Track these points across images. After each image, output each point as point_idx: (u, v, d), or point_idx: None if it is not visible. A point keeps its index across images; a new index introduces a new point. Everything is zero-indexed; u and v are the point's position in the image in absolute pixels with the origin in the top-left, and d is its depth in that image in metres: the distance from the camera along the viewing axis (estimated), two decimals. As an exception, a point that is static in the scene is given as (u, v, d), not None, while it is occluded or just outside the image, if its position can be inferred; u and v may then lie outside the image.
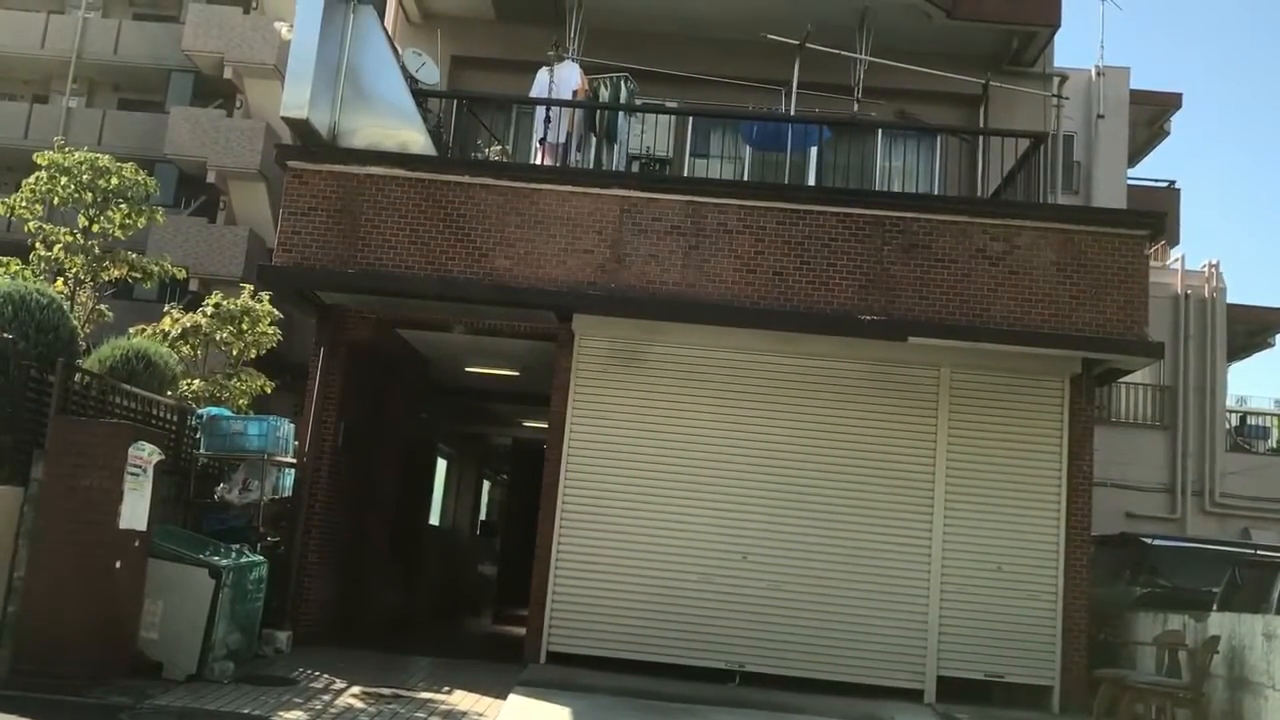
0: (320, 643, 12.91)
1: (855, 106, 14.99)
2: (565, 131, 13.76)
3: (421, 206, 12.48)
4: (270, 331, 17.09)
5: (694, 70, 15.33)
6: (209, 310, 16.59)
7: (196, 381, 16.02)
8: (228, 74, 36.40)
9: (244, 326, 16.51)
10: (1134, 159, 28.88)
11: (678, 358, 12.90)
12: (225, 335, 16.26)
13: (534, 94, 14.21)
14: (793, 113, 14.46)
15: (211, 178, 35.86)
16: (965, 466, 12.72)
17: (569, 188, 12.50)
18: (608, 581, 12.66)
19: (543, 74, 14.12)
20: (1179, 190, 29.86)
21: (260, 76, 36.43)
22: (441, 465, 19.86)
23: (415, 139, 12.87)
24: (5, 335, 10.55)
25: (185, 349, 16.35)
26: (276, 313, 16.96)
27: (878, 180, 15.19)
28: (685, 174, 15.85)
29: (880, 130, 15.18)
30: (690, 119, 15.37)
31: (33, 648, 9.88)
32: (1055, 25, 15.24)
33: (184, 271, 17.50)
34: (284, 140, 36.55)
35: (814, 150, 15.25)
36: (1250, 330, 27.52)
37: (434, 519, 19.31)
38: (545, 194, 12.50)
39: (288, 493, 13.49)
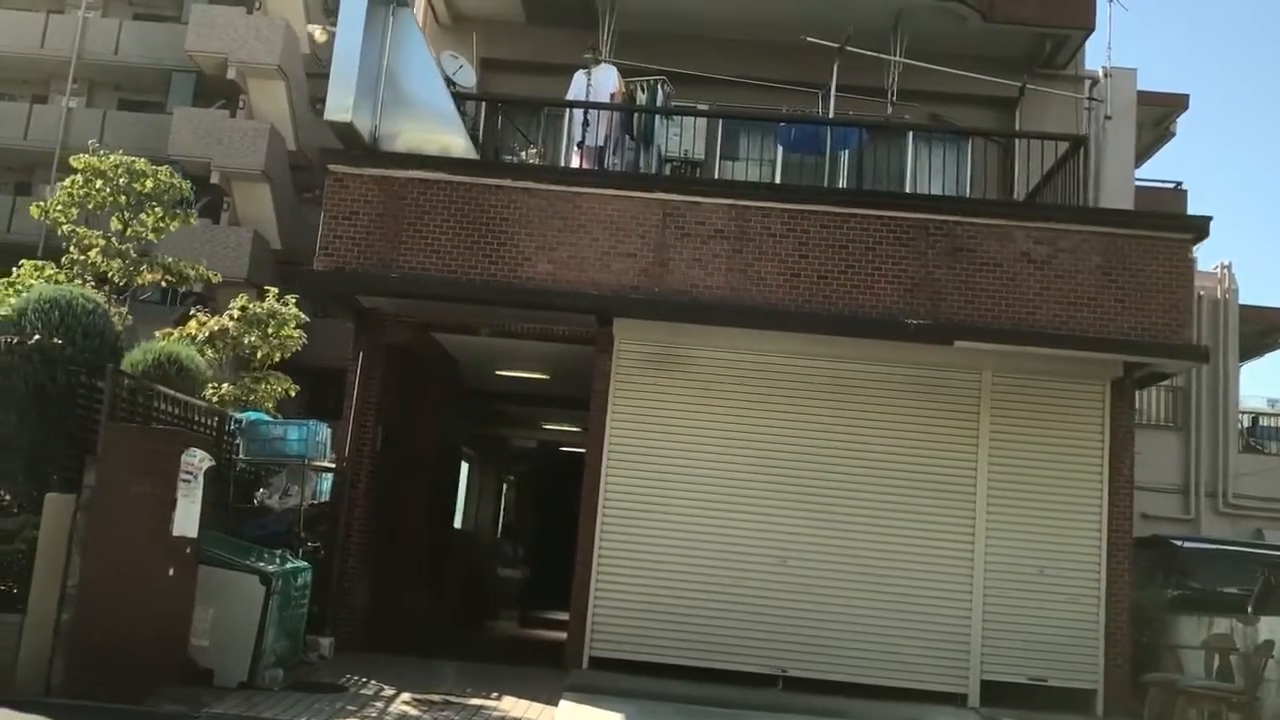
0: (359, 648, 12.85)
1: (889, 109, 14.97)
2: (603, 134, 13.71)
3: (464, 210, 12.42)
4: (295, 335, 17.01)
5: (725, 73, 15.28)
6: (235, 314, 16.49)
7: (225, 385, 15.93)
8: (231, 75, 36.21)
9: (270, 330, 16.42)
10: (1139, 160, 28.88)
11: (719, 361, 12.85)
12: (254, 339, 16.17)
13: (571, 97, 14.16)
14: (831, 115, 14.44)
15: (215, 179, 35.66)
16: (1007, 470, 12.71)
17: (611, 191, 12.47)
18: (649, 586, 12.62)
19: (580, 77, 14.08)
20: (1186, 192, 29.85)
21: (264, 77, 36.26)
22: (464, 468, 19.80)
23: (456, 143, 12.81)
24: (55, 340, 10.49)
25: (210, 353, 16.26)
26: (303, 316, 16.88)
27: (909, 183, 15.16)
28: (715, 176, 15.81)
29: (911, 133, 15.15)
30: (720, 121, 15.32)
31: (87, 656, 9.81)
32: (1090, 28, 15.27)
33: (218, 276, 17.39)
34: (288, 142, 36.65)
35: (845, 153, 15.22)
36: (1261, 331, 27.52)
37: (458, 522, 19.25)
38: (587, 197, 12.46)
39: (324, 498, 13.47)
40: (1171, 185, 29.90)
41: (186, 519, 10.23)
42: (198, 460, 10.37)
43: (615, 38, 15.05)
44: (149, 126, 38.61)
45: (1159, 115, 27.78)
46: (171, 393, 11.65)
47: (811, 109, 15.50)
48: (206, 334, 16.07)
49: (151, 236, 15.67)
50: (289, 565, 11.42)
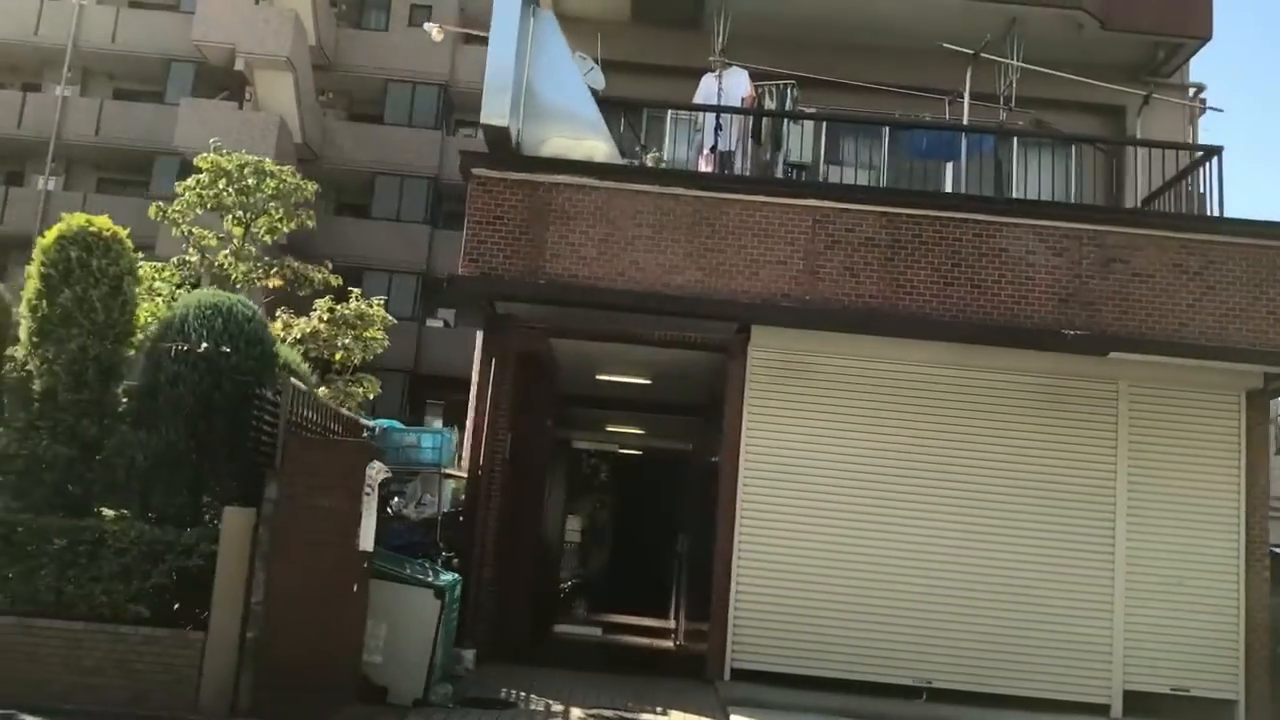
0: (491, 659, 12.62)
1: (1002, 115, 14.92)
2: (734, 139, 13.54)
3: (610, 216, 12.24)
4: (379, 336, 16.70)
5: (831, 75, 15.15)
6: (324, 315, 16.15)
7: (321, 388, 15.59)
8: (239, 66, 35.69)
9: (359, 332, 16.11)
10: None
11: (859, 370, 12.74)
12: (348, 341, 15.84)
13: (700, 100, 13.98)
14: (965, 122, 14.38)
15: (224, 171, 35.10)
16: (1146, 480, 12.69)
17: (761, 198, 12.32)
18: (789, 597, 12.51)
19: (709, 80, 13.90)
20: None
21: (272, 69, 35.80)
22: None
23: (600, 147, 12.59)
24: (223, 349, 10.18)
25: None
26: (390, 318, 16.58)
27: (1015, 190, 15.11)
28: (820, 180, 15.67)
29: (1015, 138, 15.09)
30: (824, 125, 15.17)
31: (272, 675, 9.56)
32: (1207, 37, 15.28)
33: (339, 279, 17.00)
34: (293, 134, 36.12)
35: (950, 161, 15.13)
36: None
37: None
38: (735, 204, 12.32)
39: (450, 506, 13.24)
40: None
41: (366, 533, 10.00)
42: (374, 472, 10.15)
43: (727, 39, 14.84)
44: (148, 117, 38.00)
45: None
46: (323, 400, 11.36)
47: (918, 113, 15.40)
48: (298, 335, 15.72)
49: (266, 238, 15.30)
50: (450, 577, 11.20)
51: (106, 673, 9.53)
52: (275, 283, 15.40)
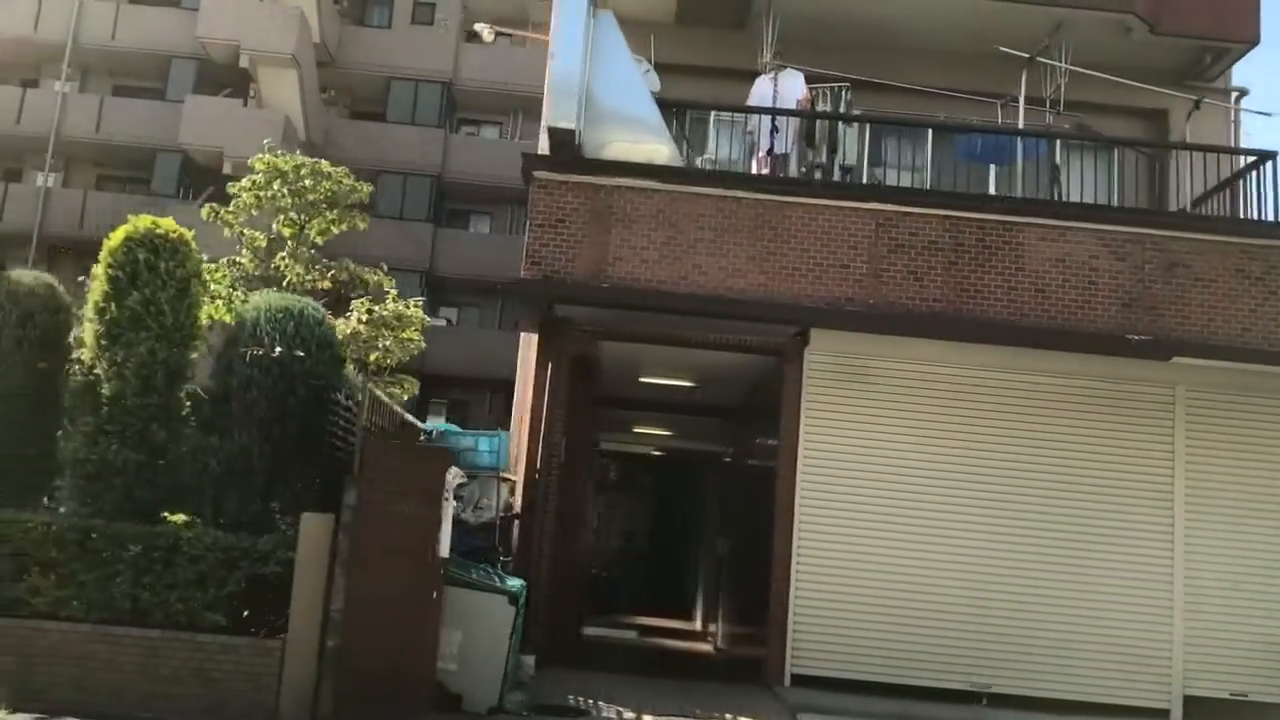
0: (548, 664, 12.52)
1: (1048, 119, 14.90)
2: (790, 141, 13.47)
3: (672, 219, 12.17)
4: (416, 337, 16.58)
5: (875, 77, 15.10)
6: (363, 316, 16.01)
7: (364, 390, 15.43)
8: (244, 63, 35.43)
9: (398, 333, 15.99)
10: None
11: (917, 374, 12.71)
12: (388, 342, 15.70)
13: (754, 102, 13.89)
14: (1021, 125, 14.35)
15: (228, 169, 34.85)
16: (1203, 484, 12.68)
17: (824, 201, 12.25)
18: (849, 602, 12.47)
19: (763, 82, 13.81)
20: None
21: (277, 66, 35.54)
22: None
23: (660, 150, 12.50)
24: (297, 354, 10.07)
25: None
26: (427, 319, 16.46)
27: (1060, 193, 15.05)
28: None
29: (1059, 142, 15.05)
30: (868, 127, 15.10)
31: (353, 684, 9.47)
32: (1255, 41, 15.26)
33: (392, 282, 16.83)
34: (298, 132, 35.88)
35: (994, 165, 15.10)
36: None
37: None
38: (797, 207, 12.26)
39: (503, 510, 13.13)
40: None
41: (444, 539, 9.90)
42: (451, 477, 10.05)
43: (774, 40, 14.76)
44: (147, 113, 37.69)
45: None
46: (389, 403, 11.26)
47: (963, 116, 15.37)
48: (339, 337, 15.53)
49: (317, 239, 15.14)
50: (518, 583, 11.11)
51: (184, 681, 9.43)
52: (325, 284, 15.24)
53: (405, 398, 16.97)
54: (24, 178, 38.74)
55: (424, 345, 16.94)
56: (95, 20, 38.51)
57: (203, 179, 37.09)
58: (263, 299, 10.57)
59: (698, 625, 20.67)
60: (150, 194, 37.42)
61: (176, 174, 37.88)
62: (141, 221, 10.58)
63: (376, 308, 16.20)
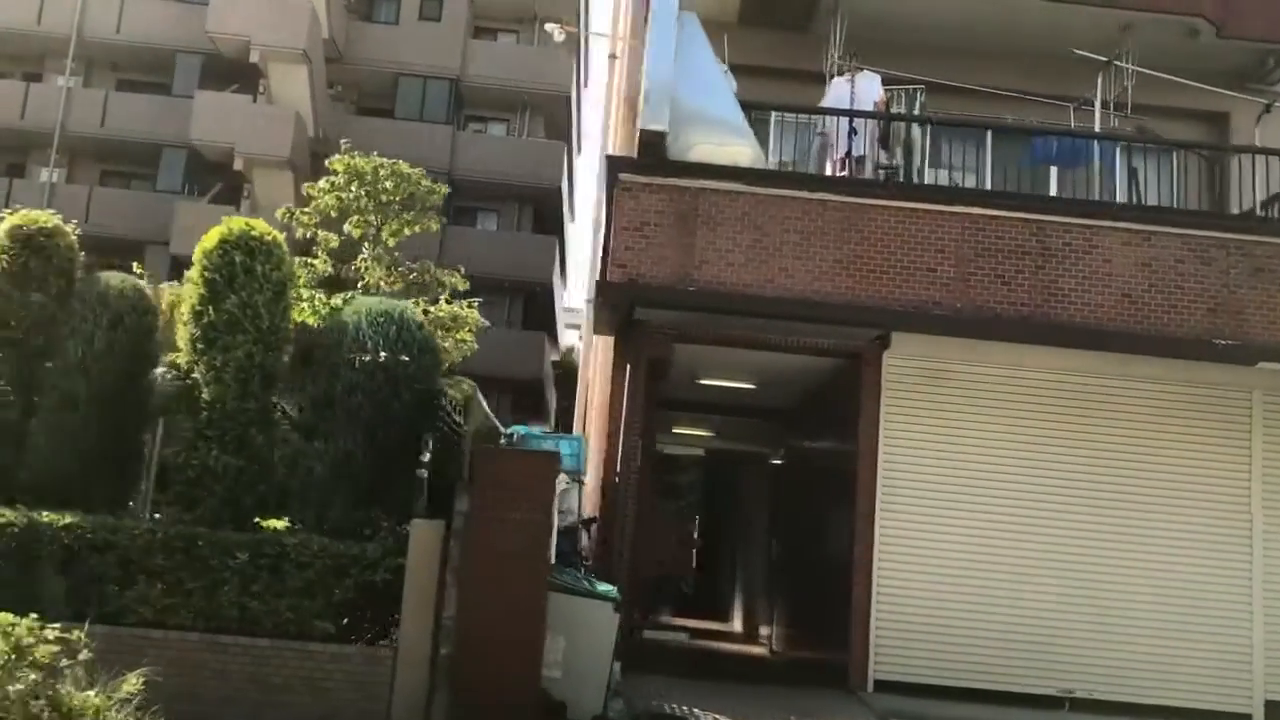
0: (629, 669, 12.42)
1: (1114, 121, 14.89)
2: (867, 144, 13.40)
3: (758, 222, 12.08)
4: (469, 339, 16.45)
5: (941, 78, 15.04)
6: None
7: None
8: (254, 58, 35.14)
9: (453, 334, 15.84)
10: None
11: (998, 378, 12.67)
12: (448, 344, 15.53)
13: (829, 103, 13.82)
14: (1097, 129, 14.33)
15: (238, 165, 34.69)
16: (1282, 488, 12.71)
17: (910, 204, 12.20)
18: (931, 607, 12.41)
19: (840, 84, 13.73)
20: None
21: (287, 61, 35.25)
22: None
23: (744, 152, 12.41)
24: (402, 358, 9.95)
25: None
26: (483, 321, 16.31)
27: (1119, 197, 15.05)
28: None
29: (1118, 145, 15.06)
30: (928, 129, 15.05)
31: (464, 691, 9.36)
32: (1320, 44, 15.38)
33: (466, 283, 16.65)
34: (308, 128, 35.61)
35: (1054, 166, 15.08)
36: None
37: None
38: (884, 210, 12.18)
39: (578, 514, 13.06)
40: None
41: (552, 545, 9.81)
42: (559, 482, 9.95)
43: (842, 42, 14.70)
44: (153, 108, 37.38)
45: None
46: (483, 406, 11.14)
47: (1025, 117, 15.35)
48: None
49: (389, 240, 14.96)
50: (612, 588, 11.01)
51: (295, 690, 9.30)
52: (399, 285, 15.08)
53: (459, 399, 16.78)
54: (28, 173, 38.36)
55: (475, 347, 16.80)
56: (99, 13, 38.13)
57: (208, 175, 36.84)
58: (361, 304, 10.44)
59: (738, 626, 20.58)
60: (156, 190, 37.16)
61: (183, 170, 37.60)
62: (233, 222, 10.45)
63: (432, 309, 16.05)
